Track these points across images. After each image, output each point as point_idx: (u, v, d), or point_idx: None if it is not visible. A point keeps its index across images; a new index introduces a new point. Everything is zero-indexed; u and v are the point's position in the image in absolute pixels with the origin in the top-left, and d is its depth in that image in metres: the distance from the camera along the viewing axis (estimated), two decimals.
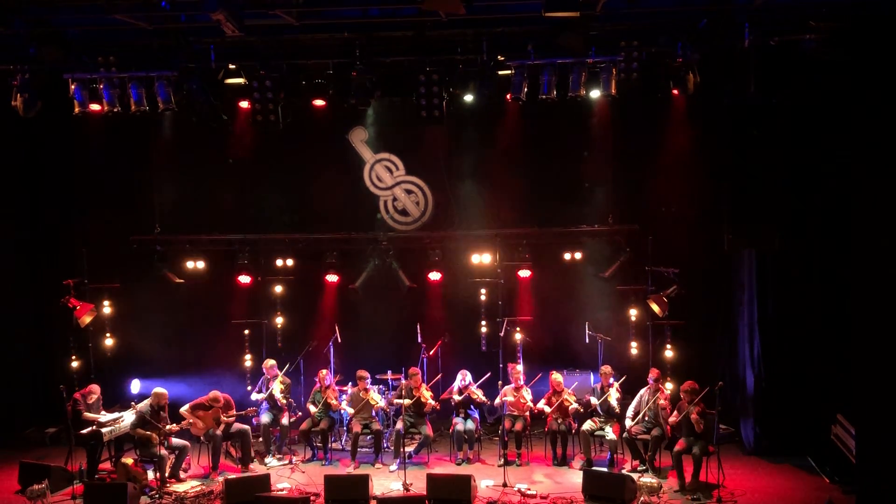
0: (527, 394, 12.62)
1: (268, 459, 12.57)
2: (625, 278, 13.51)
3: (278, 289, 14.29)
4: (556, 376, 12.53)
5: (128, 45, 12.02)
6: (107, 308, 14.06)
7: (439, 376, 13.28)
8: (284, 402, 12.71)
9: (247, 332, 14.20)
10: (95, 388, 12.36)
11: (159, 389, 11.99)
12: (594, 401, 12.27)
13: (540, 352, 13.85)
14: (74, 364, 13.69)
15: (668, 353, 13.26)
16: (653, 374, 12.07)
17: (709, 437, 11.18)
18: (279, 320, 14.32)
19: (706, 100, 12.16)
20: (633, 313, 13.57)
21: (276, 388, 12.69)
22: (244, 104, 12.36)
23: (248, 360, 14.15)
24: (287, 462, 12.51)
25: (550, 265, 13.87)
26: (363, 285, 13.90)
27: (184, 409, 12.19)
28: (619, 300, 13.67)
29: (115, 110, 12.04)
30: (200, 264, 14.02)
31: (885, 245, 10.23)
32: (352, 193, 14.21)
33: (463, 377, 12.73)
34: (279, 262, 14.20)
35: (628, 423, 11.95)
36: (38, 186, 14.37)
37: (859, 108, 10.67)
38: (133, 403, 12.14)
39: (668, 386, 12.43)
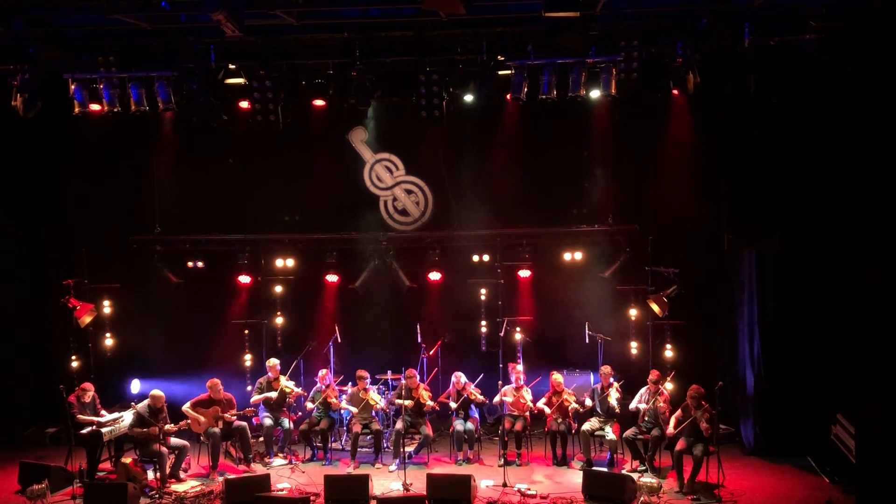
0: (527, 394, 12.62)
1: (270, 460, 12.56)
2: (625, 278, 13.51)
3: (278, 289, 14.29)
4: (557, 376, 12.53)
5: (128, 45, 12.03)
6: (107, 308, 14.07)
7: (436, 370, 13.32)
8: (298, 391, 12.73)
9: (247, 332, 14.21)
10: (89, 385, 12.32)
11: (156, 392, 11.98)
12: (588, 402, 12.26)
13: (540, 352, 13.86)
14: (74, 364, 13.69)
15: (668, 353, 13.26)
16: (653, 375, 12.06)
17: (709, 437, 11.17)
18: (279, 320, 14.32)
19: (706, 100, 12.17)
20: (633, 313, 13.57)
21: (288, 383, 12.71)
22: (244, 104, 12.35)
23: (248, 360, 14.16)
24: (288, 462, 12.51)
25: (550, 265, 13.87)
26: (363, 285, 13.90)
27: (185, 407, 12.20)
28: (619, 300, 13.66)
29: (115, 110, 12.06)
30: (200, 264, 14.01)
31: (884, 245, 10.23)
32: (352, 193, 14.20)
33: (457, 379, 12.71)
34: (279, 262, 14.20)
35: (635, 404, 11.94)
36: (39, 186, 14.38)
37: (859, 108, 10.67)
38: (133, 403, 12.12)
39: (668, 386, 12.41)
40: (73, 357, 13.75)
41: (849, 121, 10.96)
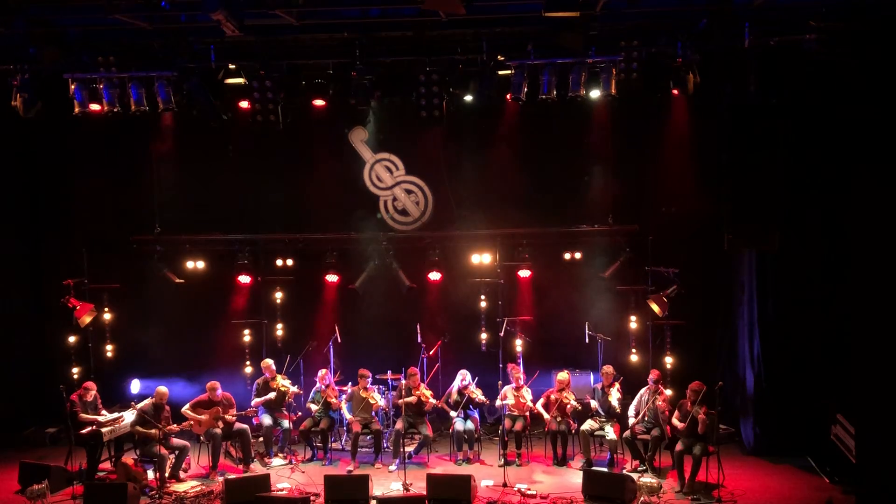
0: (527, 394, 12.62)
1: (269, 460, 12.56)
2: (625, 278, 13.51)
3: (278, 289, 14.29)
4: (563, 375, 12.50)
5: (128, 45, 12.03)
6: (107, 308, 14.07)
7: (437, 366, 13.34)
8: (294, 389, 12.74)
9: (247, 332, 14.22)
10: (91, 385, 12.33)
11: (161, 388, 12.04)
12: (594, 404, 12.28)
13: (540, 352, 13.84)
14: (74, 364, 13.71)
15: (668, 353, 13.27)
16: (653, 374, 12.06)
17: (709, 437, 11.18)
18: (279, 320, 14.32)
19: (706, 100, 12.17)
20: (633, 313, 13.57)
21: (284, 382, 12.72)
22: (244, 104, 12.35)
23: (247, 360, 14.16)
24: (288, 462, 12.51)
25: (550, 265, 13.86)
26: (363, 285, 13.90)
27: (185, 408, 12.20)
28: (619, 300, 13.67)
29: (115, 110, 12.05)
30: (200, 264, 14.01)
31: (884, 244, 10.24)
32: (352, 193, 14.20)
33: (462, 377, 12.72)
34: (279, 262, 14.20)
35: (631, 421, 11.94)
36: (39, 186, 14.38)
37: (859, 108, 10.67)
38: (133, 403, 12.15)
39: (668, 393, 12.42)
40: (73, 357, 13.76)
41: (849, 121, 10.97)
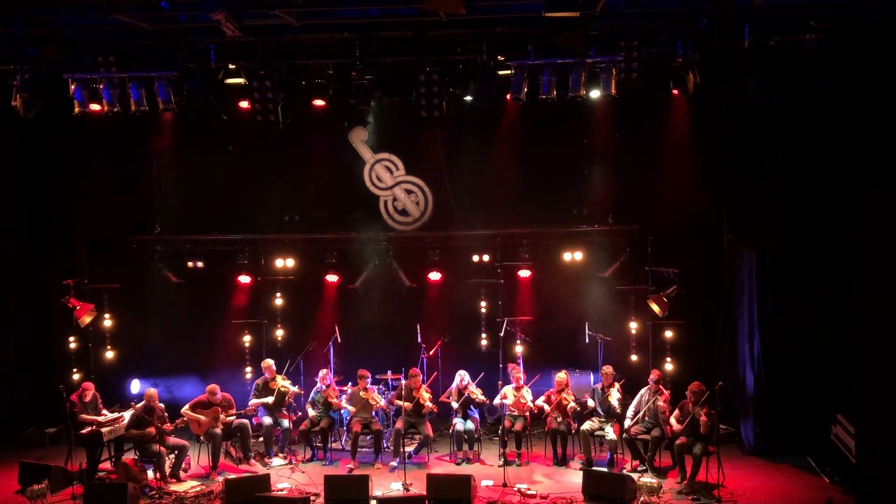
0: (527, 394, 12.62)
1: (269, 460, 12.56)
2: (625, 278, 13.52)
3: (278, 289, 14.29)
4: (562, 375, 12.50)
5: (128, 45, 12.05)
6: (107, 308, 14.07)
7: (435, 374, 13.32)
8: (294, 389, 12.72)
9: (247, 332, 14.23)
10: (89, 385, 12.33)
11: (150, 390, 12.04)
12: (591, 403, 12.27)
13: (540, 352, 13.84)
14: (74, 364, 13.71)
15: (668, 353, 13.26)
16: (654, 375, 12.06)
17: (709, 437, 11.18)
18: (279, 320, 14.33)
19: (706, 100, 12.17)
20: (633, 313, 13.56)
21: (284, 382, 12.71)
22: (244, 104, 12.35)
23: (247, 360, 14.16)
24: (288, 462, 12.51)
25: (550, 265, 13.88)
26: (363, 285, 13.90)
27: (184, 409, 12.20)
28: (619, 300, 13.67)
29: (115, 110, 12.06)
30: (200, 264, 14.02)
31: (885, 244, 10.23)
32: (352, 193, 14.21)
33: (461, 378, 12.72)
34: (279, 262, 14.21)
35: (627, 422, 11.95)
36: (39, 186, 14.38)
37: (859, 108, 10.67)
38: (133, 403, 12.15)
39: (668, 388, 12.41)
40: (73, 357, 13.77)
41: (849, 120, 10.97)
